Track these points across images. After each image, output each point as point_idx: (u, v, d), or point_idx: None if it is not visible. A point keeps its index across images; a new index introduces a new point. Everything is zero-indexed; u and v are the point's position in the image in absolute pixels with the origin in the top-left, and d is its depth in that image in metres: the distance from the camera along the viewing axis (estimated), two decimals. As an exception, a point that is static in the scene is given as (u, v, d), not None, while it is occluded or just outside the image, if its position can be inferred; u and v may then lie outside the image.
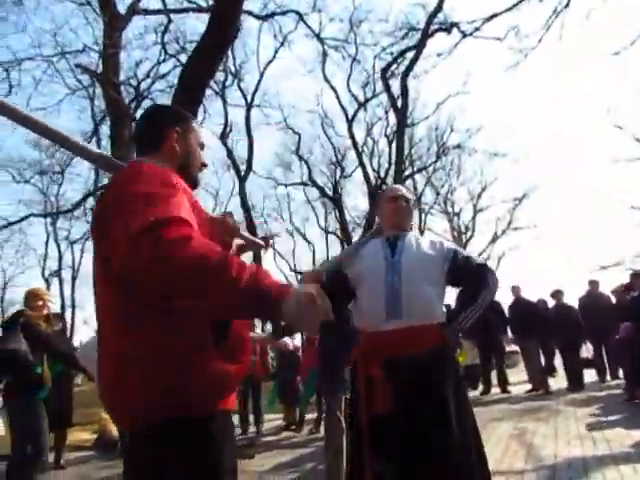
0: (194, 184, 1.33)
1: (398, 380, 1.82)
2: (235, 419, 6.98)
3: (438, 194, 27.84)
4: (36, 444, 3.49)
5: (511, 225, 27.09)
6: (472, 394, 7.99)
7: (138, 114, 9.77)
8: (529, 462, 3.57)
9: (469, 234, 28.43)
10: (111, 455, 5.42)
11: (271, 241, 1.63)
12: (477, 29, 12.21)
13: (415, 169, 22.47)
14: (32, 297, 3.96)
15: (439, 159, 22.77)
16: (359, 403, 1.91)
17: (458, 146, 22.20)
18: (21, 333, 3.75)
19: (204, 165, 1.38)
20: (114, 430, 6.03)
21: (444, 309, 1.99)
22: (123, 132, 8.74)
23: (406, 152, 21.78)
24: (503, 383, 7.59)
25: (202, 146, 1.39)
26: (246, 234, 1.46)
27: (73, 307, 22.44)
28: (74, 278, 22.96)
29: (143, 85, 11.52)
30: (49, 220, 21.99)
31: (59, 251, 22.87)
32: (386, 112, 18.32)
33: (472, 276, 1.98)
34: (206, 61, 6.96)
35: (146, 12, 10.73)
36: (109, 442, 5.91)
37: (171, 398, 1.03)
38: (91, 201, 16.82)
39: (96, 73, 9.17)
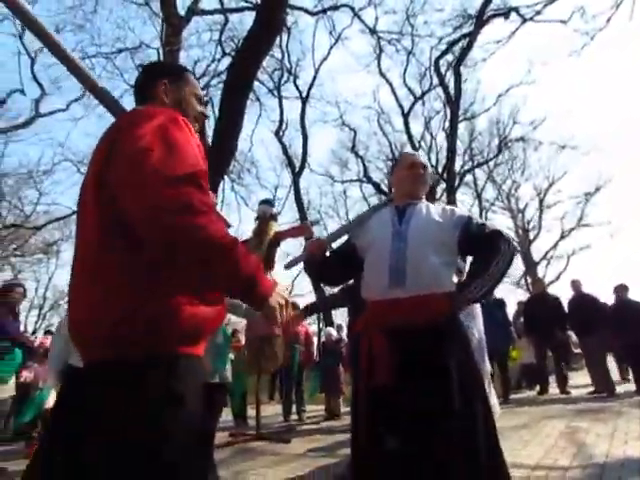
0: None
1: (400, 350, 1.74)
2: (278, 408, 7.08)
3: (500, 190, 26.83)
4: None
5: (581, 222, 25.54)
6: (528, 394, 7.61)
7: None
8: (576, 459, 3.31)
9: (535, 232, 27.17)
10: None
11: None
12: (538, 12, 11.60)
13: (475, 164, 21.69)
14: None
15: (501, 153, 21.84)
16: (359, 374, 1.85)
17: (521, 139, 21.25)
18: None
19: (202, 115, 1.42)
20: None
21: (455, 279, 1.88)
22: (179, 128, 9.08)
23: (465, 146, 21.16)
24: (562, 383, 7.12)
25: (199, 98, 1.42)
26: None
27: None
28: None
29: (201, 82, 11.90)
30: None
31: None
32: (444, 105, 17.79)
33: (485, 243, 1.85)
34: (253, 55, 7.12)
35: (204, 12, 11.11)
36: None
37: (147, 333, 1.04)
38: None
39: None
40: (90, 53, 10.88)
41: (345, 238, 2.17)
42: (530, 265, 24.98)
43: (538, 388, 7.39)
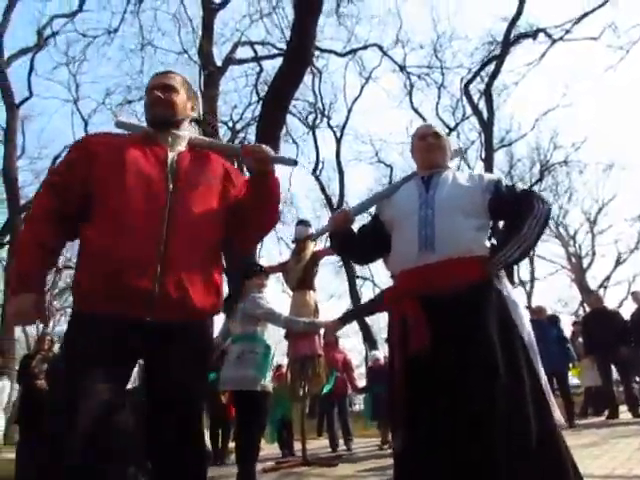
0: (157, 122, 1.62)
1: (434, 316, 1.66)
2: (324, 441, 6.83)
3: (547, 217, 25.98)
4: None
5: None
6: (597, 419, 7.01)
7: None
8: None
9: (589, 259, 25.96)
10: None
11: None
12: (567, 32, 11.55)
13: (517, 191, 21.19)
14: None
15: (543, 179, 21.29)
16: (394, 347, 1.78)
17: (564, 162, 20.68)
18: None
19: (156, 98, 1.61)
20: (207, 444, 6.27)
21: (487, 243, 1.79)
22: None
23: (504, 172, 20.80)
24: (633, 405, 6.51)
25: (155, 87, 1.63)
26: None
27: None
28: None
29: (238, 125, 12.47)
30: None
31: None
32: (479, 134, 17.71)
33: (517, 204, 1.77)
34: (281, 96, 7.42)
35: (240, 62, 11.78)
36: None
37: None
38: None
39: (196, 118, 10.12)
40: (134, 98, 11.62)
41: (370, 212, 2.14)
42: (587, 294, 23.63)
43: (607, 412, 6.79)
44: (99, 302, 1.38)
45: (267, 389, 3.43)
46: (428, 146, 1.98)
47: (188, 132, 1.71)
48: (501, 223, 1.92)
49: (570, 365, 6.88)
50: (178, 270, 1.41)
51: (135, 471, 2.96)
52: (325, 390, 6.02)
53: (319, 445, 6.95)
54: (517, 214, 1.76)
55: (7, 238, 13.91)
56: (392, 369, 1.80)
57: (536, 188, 22.10)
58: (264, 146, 1.57)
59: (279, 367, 8.25)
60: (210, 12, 10.37)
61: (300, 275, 5.10)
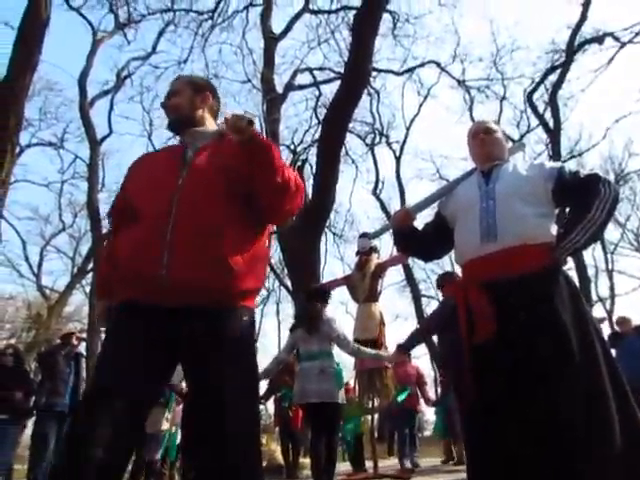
0: (170, 127, 1.71)
1: (501, 303, 1.68)
2: (395, 461, 6.72)
3: (625, 229, 24.34)
4: None
5: None
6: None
7: (296, 170, 10.99)
8: None
9: (675, 272, 23.89)
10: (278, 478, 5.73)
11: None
12: (637, 34, 11.02)
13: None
14: None
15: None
16: (461, 336, 1.80)
17: (641, 171, 19.38)
18: None
19: (163, 105, 1.72)
20: (280, 459, 6.44)
21: (553, 230, 1.80)
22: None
23: (579, 169, 19.79)
24: None
25: (170, 93, 1.71)
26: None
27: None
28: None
29: (299, 148, 12.89)
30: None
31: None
32: (545, 145, 17.10)
33: (582, 189, 1.76)
34: (340, 117, 7.65)
35: (300, 87, 12.27)
36: (276, 468, 6.33)
37: None
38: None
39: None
40: None
41: (432, 209, 2.20)
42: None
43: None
44: (120, 292, 1.51)
45: (343, 401, 3.83)
46: (481, 142, 2.03)
47: (216, 124, 1.71)
48: (567, 210, 1.91)
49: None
50: (185, 254, 1.41)
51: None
52: (399, 399, 6.01)
53: (390, 464, 6.85)
54: (583, 199, 1.75)
55: (91, 265, 15.05)
56: (461, 362, 1.81)
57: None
58: (244, 113, 1.45)
59: (347, 383, 8.27)
60: (270, 42, 10.96)
61: (365, 287, 5.18)
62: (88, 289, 15.47)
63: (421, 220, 2.21)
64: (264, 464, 6.59)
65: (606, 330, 6.80)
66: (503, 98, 15.67)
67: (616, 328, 6.68)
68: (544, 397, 1.56)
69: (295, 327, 4.21)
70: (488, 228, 1.79)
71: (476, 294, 1.75)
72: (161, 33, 12.34)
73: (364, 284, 5.20)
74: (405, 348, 4.49)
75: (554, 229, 1.81)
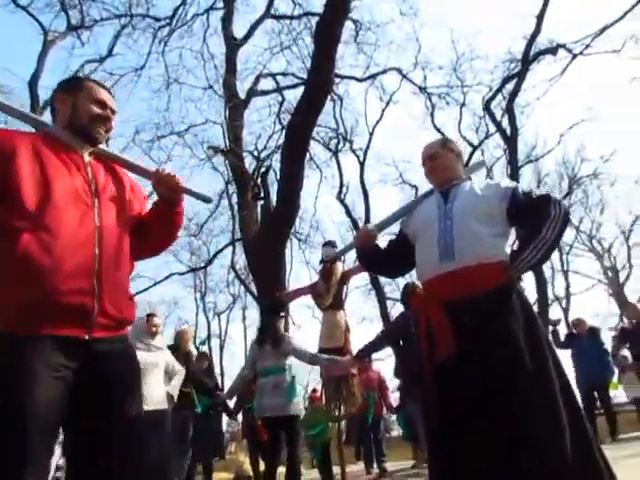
0: (88, 137, 1.52)
1: (459, 321, 1.76)
2: (359, 466, 6.81)
3: (579, 231, 25.45)
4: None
5: (679, 255, 23.34)
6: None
7: (259, 180, 10.92)
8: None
9: (626, 272, 25.18)
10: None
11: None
12: (588, 46, 11.58)
13: (546, 206, 20.89)
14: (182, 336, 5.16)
15: (571, 192, 20.94)
16: (422, 354, 1.86)
17: (594, 175, 20.31)
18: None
19: (99, 117, 1.53)
20: (249, 470, 6.40)
21: (507, 249, 1.89)
22: (247, 195, 9.78)
23: (532, 188, 20.56)
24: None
25: (98, 102, 1.53)
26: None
27: (222, 374, 24.11)
28: (221, 346, 25.10)
29: (263, 154, 12.84)
30: (199, 295, 24.68)
31: (208, 322, 25.25)
32: (504, 150, 17.66)
33: (534, 209, 1.85)
34: (303, 125, 7.68)
35: (263, 93, 12.23)
36: (244, 479, 6.27)
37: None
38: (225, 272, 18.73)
39: (222, 149, 10.50)
40: (164, 133, 12.15)
41: (395, 227, 2.26)
42: (625, 307, 22.75)
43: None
44: (37, 322, 1.30)
45: (297, 413, 4.02)
46: (429, 170, 2.12)
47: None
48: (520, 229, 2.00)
49: (612, 378, 6.69)
50: (110, 285, 1.40)
51: None
52: (368, 418, 6.15)
53: (358, 468, 6.91)
54: (535, 219, 1.84)
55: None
56: (423, 379, 1.87)
57: (566, 202, 21.78)
58: (177, 175, 1.58)
59: (314, 390, 8.31)
60: (232, 47, 10.89)
61: (330, 295, 5.22)
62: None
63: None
64: (232, 475, 6.55)
65: (562, 330, 7.08)
66: (463, 105, 16.12)
67: (572, 329, 6.96)
68: (501, 412, 1.64)
69: (255, 343, 4.40)
70: (446, 247, 1.86)
71: (436, 313, 1.82)
72: (117, 36, 11.98)
73: (329, 292, 5.25)
74: (362, 355, 4.68)
75: (508, 248, 1.89)
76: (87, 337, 1.35)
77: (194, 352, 5.60)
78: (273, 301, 5.21)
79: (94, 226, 1.41)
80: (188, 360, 5.02)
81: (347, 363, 4.54)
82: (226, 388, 5.80)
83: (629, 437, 6.22)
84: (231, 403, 5.84)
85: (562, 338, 6.70)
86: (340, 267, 5.37)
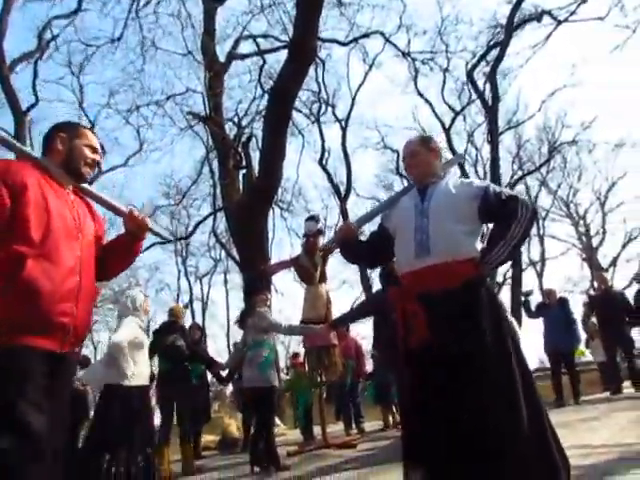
0: (78, 177, 1.78)
1: (432, 312, 1.91)
2: (339, 426, 7.18)
3: (556, 197, 25.93)
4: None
5: (651, 221, 24.02)
6: (602, 395, 7.25)
7: (241, 148, 10.81)
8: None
9: (599, 237, 25.92)
10: (233, 452, 6.11)
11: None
12: (573, 13, 11.53)
13: (525, 172, 21.18)
14: (178, 312, 5.34)
15: (551, 158, 21.20)
16: (398, 340, 2.02)
17: (573, 142, 20.52)
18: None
19: (93, 161, 1.83)
20: (234, 431, 6.70)
21: (478, 246, 2.03)
22: (228, 164, 9.71)
23: (511, 157, 20.80)
24: (635, 380, 6.73)
25: (92, 147, 1.83)
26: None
27: (204, 335, 24.44)
28: (203, 309, 25.36)
29: (244, 121, 12.64)
30: (180, 259, 24.66)
31: (190, 286, 25.37)
32: (485, 117, 17.73)
33: (503, 209, 1.99)
34: (287, 89, 7.60)
35: (243, 56, 11.93)
36: (231, 442, 6.54)
37: None
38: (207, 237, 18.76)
39: (203, 117, 10.31)
40: (142, 102, 11.83)
41: (377, 221, 2.38)
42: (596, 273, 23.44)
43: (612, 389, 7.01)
44: (33, 336, 1.50)
45: (272, 383, 4.31)
46: (407, 167, 2.25)
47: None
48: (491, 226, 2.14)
49: (578, 346, 7.08)
50: (83, 309, 1.65)
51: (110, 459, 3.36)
52: (347, 384, 6.49)
53: (339, 428, 7.28)
54: (503, 219, 1.99)
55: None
56: (399, 363, 2.04)
57: (544, 168, 22.12)
58: (147, 218, 1.88)
59: (296, 355, 8.60)
60: (210, 6, 10.50)
61: (312, 269, 5.37)
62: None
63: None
64: (219, 437, 6.84)
65: (535, 299, 7.39)
66: (446, 70, 16.01)
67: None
68: (466, 395, 1.81)
69: (235, 323, 4.91)
70: (422, 244, 2.00)
71: (412, 304, 1.97)
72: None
73: (316, 269, 5.40)
74: (340, 323, 4.94)
75: (479, 245, 2.04)
76: (60, 351, 1.59)
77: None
78: (251, 279, 5.51)
79: (78, 256, 1.65)
80: (185, 334, 5.27)
81: (324, 332, 4.80)
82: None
83: (590, 399, 6.66)
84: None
85: (533, 308, 7.02)
86: (322, 242, 5.50)
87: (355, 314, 5.47)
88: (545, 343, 6.82)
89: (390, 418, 6.44)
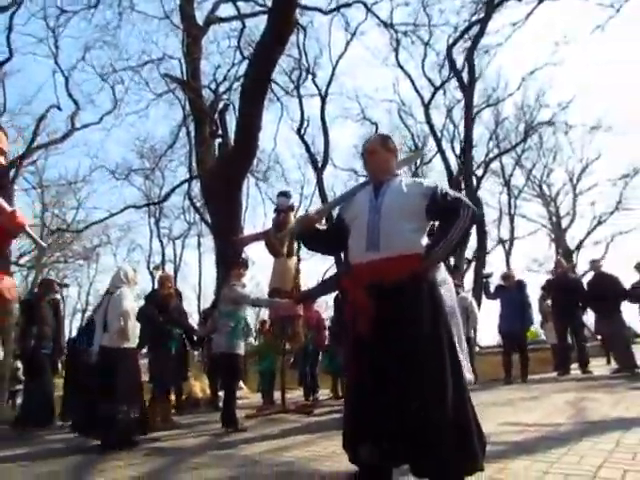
0: None
1: (379, 302, 2.06)
2: (299, 392, 7.53)
3: (531, 176, 26.37)
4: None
5: (621, 205, 24.74)
6: (548, 375, 7.68)
7: (217, 116, 10.64)
8: (572, 419, 3.50)
9: (569, 219, 26.63)
10: (195, 412, 6.48)
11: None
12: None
13: (501, 150, 21.46)
14: (165, 281, 5.65)
15: (528, 138, 21.49)
16: (347, 326, 2.18)
17: (550, 122, 20.77)
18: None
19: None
20: (198, 392, 7.02)
21: (423, 243, 2.18)
22: (204, 130, 9.61)
23: (489, 133, 20.99)
24: (583, 363, 7.16)
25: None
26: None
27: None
28: (175, 271, 25.34)
29: (222, 87, 12.40)
30: (152, 220, 24.43)
31: (162, 247, 25.27)
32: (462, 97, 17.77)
33: (447, 210, 2.14)
34: (266, 56, 7.51)
35: (221, 20, 11.60)
36: (193, 402, 6.98)
37: None
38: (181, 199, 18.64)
39: (180, 80, 10.11)
40: (119, 67, 11.52)
41: (335, 213, 2.51)
42: (566, 254, 24.24)
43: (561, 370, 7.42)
44: None
45: (236, 351, 4.65)
46: (368, 163, 2.39)
47: None
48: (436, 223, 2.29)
49: (530, 328, 7.47)
50: None
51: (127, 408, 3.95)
52: (306, 354, 6.84)
53: (298, 394, 7.59)
54: (446, 218, 2.15)
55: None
56: (346, 344, 2.21)
57: (520, 147, 22.42)
58: (26, 221, 2.14)
59: (264, 322, 8.83)
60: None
61: (279, 245, 5.51)
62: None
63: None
64: (184, 396, 7.10)
65: (494, 282, 7.67)
66: (427, 44, 15.91)
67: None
68: (401, 374, 1.99)
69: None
70: (372, 240, 2.14)
71: (360, 295, 2.13)
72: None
73: (283, 244, 5.54)
74: (300, 300, 5.22)
75: (425, 241, 2.19)
76: None
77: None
78: (232, 257, 5.87)
79: None
80: (171, 300, 5.59)
81: (288, 306, 5.09)
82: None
83: (538, 378, 7.07)
84: None
85: (492, 290, 7.34)
86: (292, 217, 5.62)
87: (321, 289, 5.68)
88: (500, 324, 7.18)
89: (339, 388, 6.81)
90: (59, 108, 14.19)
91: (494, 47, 14.70)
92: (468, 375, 4.09)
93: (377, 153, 2.35)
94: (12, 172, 12.25)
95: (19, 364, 8.52)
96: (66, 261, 24.13)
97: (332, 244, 2.51)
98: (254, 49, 8.75)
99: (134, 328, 4.18)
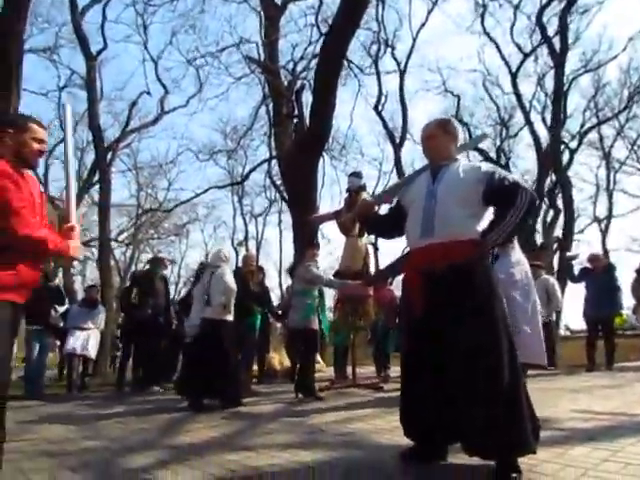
0: (29, 165, 2.23)
1: (434, 286, 2.12)
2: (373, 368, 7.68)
3: (634, 148, 23.95)
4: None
5: None
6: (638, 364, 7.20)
7: (294, 96, 10.83)
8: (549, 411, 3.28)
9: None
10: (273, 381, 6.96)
11: None
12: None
13: (600, 120, 19.67)
14: (247, 259, 6.29)
15: (633, 104, 19.40)
16: (403, 309, 2.27)
17: (657, 87, 18.62)
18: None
19: (40, 152, 2.25)
20: (276, 364, 7.40)
21: (479, 229, 2.18)
22: (282, 111, 9.85)
23: (585, 102, 19.32)
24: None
25: (39, 140, 2.22)
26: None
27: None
28: (258, 248, 26.44)
29: (299, 66, 12.55)
30: (235, 198, 25.55)
31: (245, 224, 26.38)
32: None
33: (504, 195, 2.11)
34: (341, 33, 7.49)
35: (299, -3, 11.67)
36: (272, 373, 7.39)
37: None
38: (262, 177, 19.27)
39: (260, 62, 10.38)
40: (203, 52, 12.08)
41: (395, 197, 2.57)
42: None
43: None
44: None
45: (311, 326, 5.00)
46: (425, 149, 2.39)
47: None
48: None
49: (618, 312, 6.97)
50: None
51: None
52: (377, 332, 6.97)
53: (370, 370, 7.76)
54: (504, 204, 2.12)
55: (96, 177, 15.41)
56: (403, 325, 2.30)
57: (623, 116, 20.32)
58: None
59: (338, 300, 9.05)
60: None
61: (350, 224, 5.60)
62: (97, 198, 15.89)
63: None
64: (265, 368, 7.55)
65: (578, 265, 7.23)
66: (517, 7, 14.89)
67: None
68: (454, 356, 2.04)
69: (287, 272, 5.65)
70: (427, 225, 2.19)
71: (414, 280, 2.20)
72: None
73: (354, 223, 5.62)
74: (370, 282, 5.35)
75: (480, 227, 2.19)
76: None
77: None
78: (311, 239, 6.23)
79: None
80: (252, 278, 6.20)
81: (360, 288, 5.20)
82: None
83: (626, 366, 6.65)
84: None
85: (576, 272, 6.93)
86: (364, 197, 5.68)
87: (390, 270, 5.71)
88: (585, 308, 6.79)
89: None
90: (149, 93, 15.22)
91: (594, 5, 13.46)
92: (538, 360, 4.03)
93: (436, 138, 2.35)
94: (109, 155, 13.37)
95: (118, 332, 9.55)
96: (159, 237, 26.09)
97: (393, 229, 2.58)
98: (327, 33, 8.75)
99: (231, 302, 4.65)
